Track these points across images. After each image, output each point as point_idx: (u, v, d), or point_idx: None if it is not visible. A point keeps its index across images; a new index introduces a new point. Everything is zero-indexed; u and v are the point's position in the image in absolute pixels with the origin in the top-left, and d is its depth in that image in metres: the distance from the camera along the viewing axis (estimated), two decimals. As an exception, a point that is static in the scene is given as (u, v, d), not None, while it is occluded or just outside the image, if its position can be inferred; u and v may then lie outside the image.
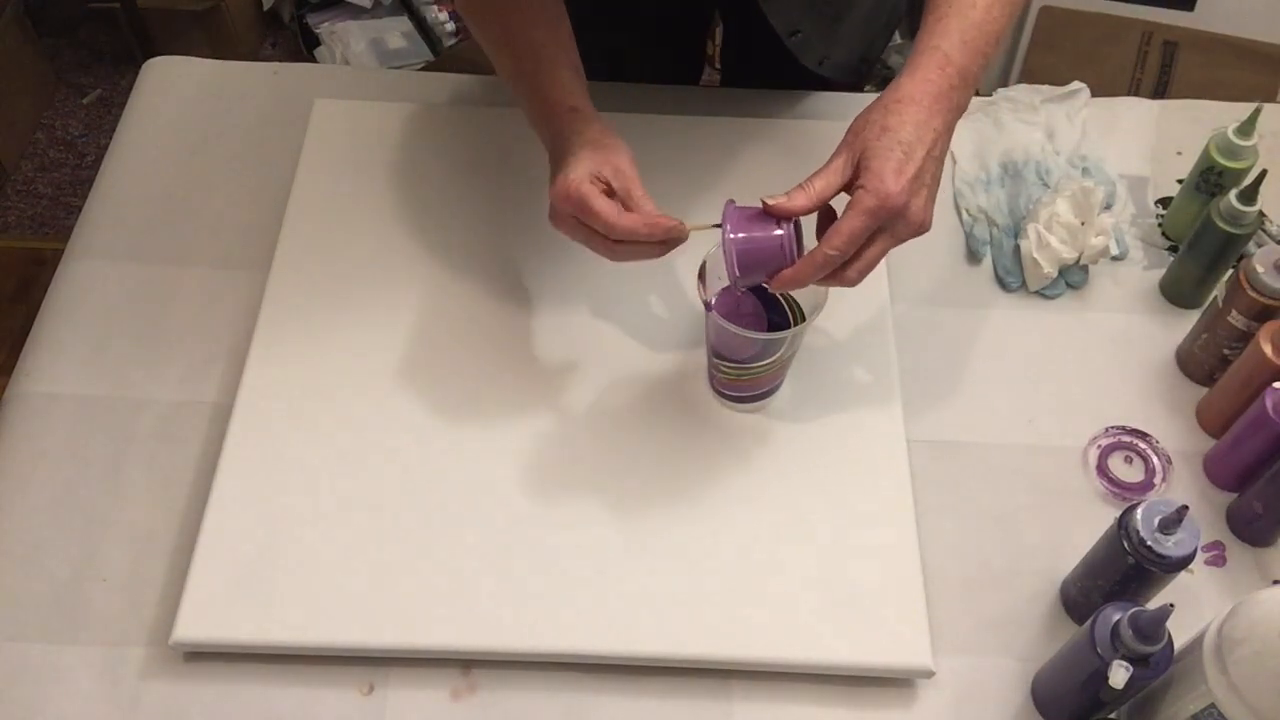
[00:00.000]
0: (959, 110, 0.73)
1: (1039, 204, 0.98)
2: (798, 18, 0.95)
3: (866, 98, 0.74)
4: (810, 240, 0.73)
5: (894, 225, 0.71)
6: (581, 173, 0.74)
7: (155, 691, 0.76)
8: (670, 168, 1.01)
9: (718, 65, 1.38)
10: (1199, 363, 0.92)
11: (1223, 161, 0.94)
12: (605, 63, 1.14)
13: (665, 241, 0.75)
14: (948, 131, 0.73)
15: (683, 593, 0.79)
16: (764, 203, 0.72)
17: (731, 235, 0.72)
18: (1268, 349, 0.83)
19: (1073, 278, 0.98)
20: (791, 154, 1.01)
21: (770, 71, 1.11)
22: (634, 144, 0.97)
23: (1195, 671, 0.65)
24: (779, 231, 0.72)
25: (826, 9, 0.97)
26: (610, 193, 0.75)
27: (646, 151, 1.02)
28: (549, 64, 0.81)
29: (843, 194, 0.72)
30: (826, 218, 0.73)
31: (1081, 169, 1.04)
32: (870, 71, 1.09)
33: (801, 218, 0.73)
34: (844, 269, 0.72)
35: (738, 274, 0.73)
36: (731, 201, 0.74)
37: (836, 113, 1.07)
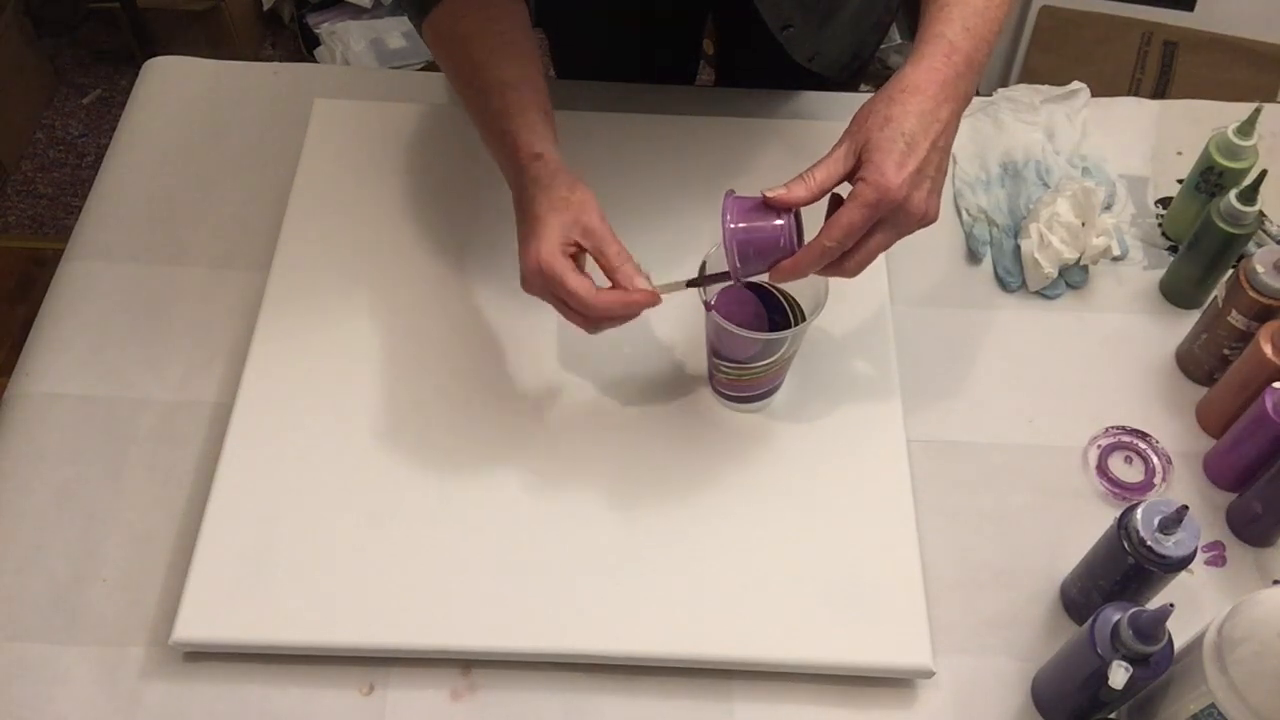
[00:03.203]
0: (965, 99, 0.73)
1: (1039, 204, 0.98)
2: (790, 12, 0.95)
3: (863, 97, 0.73)
4: (816, 229, 0.72)
5: (895, 218, 0.70)
6: (553, 243, 0.73)
7: (155, 691, 0.76)
8: (665, 168, 1.01)
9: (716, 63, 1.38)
10: (1199, 363, 0.92)
11: (1223, 161, 0.94)
12: (601, 62, 1.14)
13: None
14: (954, 121, 0.72)
15: (683, 593, 0.79)
16: (764, 194, 0.71)
17: (731, 225, 0.72)
18: (1268, 349, 0.83)
19: (1073, 278, 0.98)
20: (787, 154, 1.02)
21: (765, 69, 1.11)
22: (629, 144, 0.97)
23: (1195, 671, 0.65)
24: (779, 222, 0.71)
25: (818, 5, 0.97)
26: (582, 253, 0.75)
27: (642, 152, 1.03)
28: (518, 105, 0.79)
29: (848, 184, 0.72)
30: (838, 206, 0.72)
31: (1081, 169, 1.03)
32: (863, 70, 1.09)
33: (807, 206, 0.72)
34: (844, 260, 0.72)
35: (738, 265, 0.73)
36: (731, 191, 0.74)
37: (832, 113, 1.07)
